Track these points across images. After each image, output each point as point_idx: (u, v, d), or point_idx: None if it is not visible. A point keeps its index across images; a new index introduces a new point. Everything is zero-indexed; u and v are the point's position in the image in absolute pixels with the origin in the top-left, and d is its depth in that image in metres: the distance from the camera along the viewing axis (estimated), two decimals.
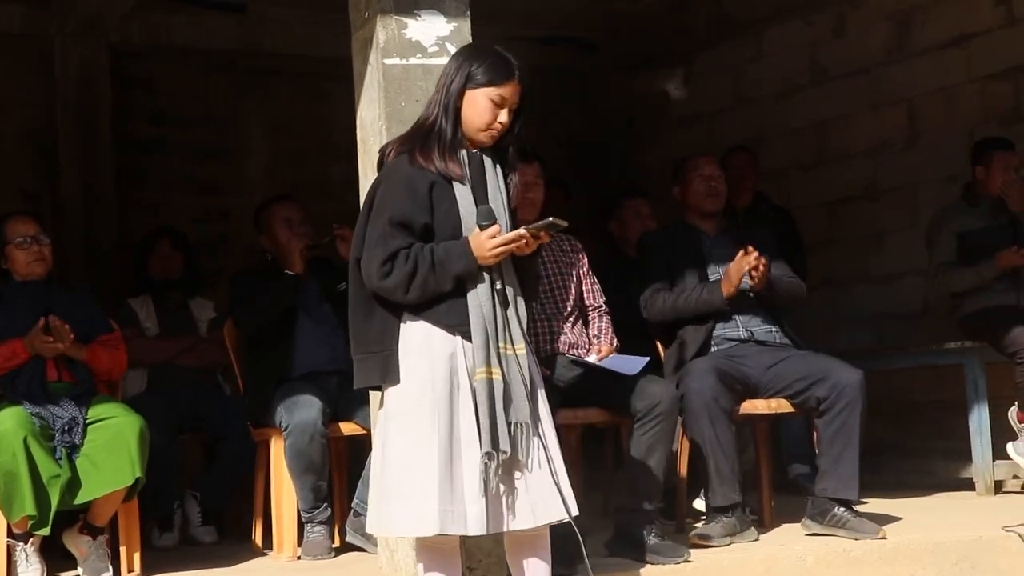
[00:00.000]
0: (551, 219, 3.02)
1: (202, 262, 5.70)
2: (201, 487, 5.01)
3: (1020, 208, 5.30)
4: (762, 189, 6.16)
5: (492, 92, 3.07)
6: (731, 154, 5.96)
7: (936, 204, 5.77)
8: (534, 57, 7.60)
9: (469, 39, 3.58)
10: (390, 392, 3.02)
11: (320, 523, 4.33)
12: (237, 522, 4.94)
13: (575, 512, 3.01)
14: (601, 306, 4.40)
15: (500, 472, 2.93)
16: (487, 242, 2.98)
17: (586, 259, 4.43)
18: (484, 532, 2.94)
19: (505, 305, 3.02)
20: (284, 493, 4.34)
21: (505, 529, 2.99)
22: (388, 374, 3.00)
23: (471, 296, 3.00)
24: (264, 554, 4.47)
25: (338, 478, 4.66)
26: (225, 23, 6.99)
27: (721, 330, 4.43)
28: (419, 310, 3.00)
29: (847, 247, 6.62)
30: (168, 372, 5.12)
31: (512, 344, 3.01)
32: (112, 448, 3.89)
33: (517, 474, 2.97)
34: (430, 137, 3.08)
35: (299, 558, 4.29)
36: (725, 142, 6.33)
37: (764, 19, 7.02)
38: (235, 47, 7.03)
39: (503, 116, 3.08)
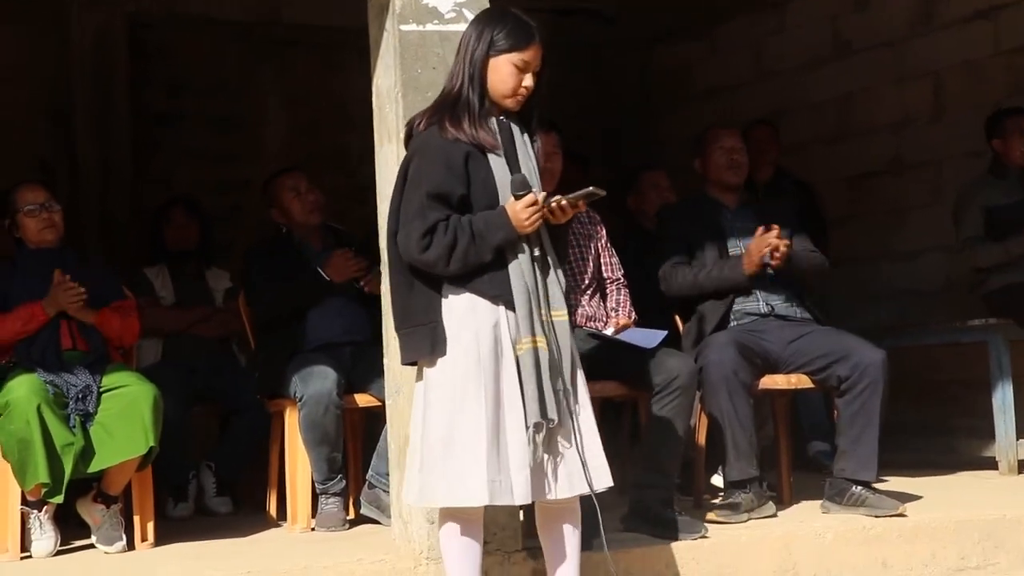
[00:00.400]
0: (591, 188, 3.01)
1: (217, 232, 5.68)
2: (216, 458, 4.99)
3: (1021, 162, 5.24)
4: (783, 163, 6.09)
5: (515, 58, 3.05)
6: (752, 128, 5.88)
7: (960, 180, 5.69)
8: (551, 29, 7.48)
9: (487, 4, 3.51)
10: (433, 363, 3.00)
11: (334, 495, 4.29)
12: (252, 493, 4.91)
13: (604, 485, 3.00)
14: (619, 279, 4.35)
15: (549, 440, 2.93)
16: (523, 211, 2.97)
17: (604, 231, 4.39)
18: (528, 501, 2.93)
19: (545, 272, 3.01)
20: (298, 464, 4.31)
21: (547, 498, 2.97)
22: (436, 345, 2.98)
23: (513, 265, 2.98)
24: (278, 525, 4.44)
25: (353, 450, 4.64)
26: None
27: (741, 304, 4.38)
28: (461, 281, 2.99)
29: (869, 223, 6.54)
30: (183, 342, 5.10)
31: (555, 311, 3.00)
32: (126, 417, 3.86)
33: (557, 443, 2.96)
34: (458, 107, 3.06)
35: (313, 530, 4.27)
36: (746, 116, 6.25)
37: None
38: (252, 17, 6.97)
39: (527, 80, 3.06)
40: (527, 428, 2.91)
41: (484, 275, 2.98)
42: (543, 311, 2.97)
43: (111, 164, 6.43)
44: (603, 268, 4.33)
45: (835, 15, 6.73)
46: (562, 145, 4.22)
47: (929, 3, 6.27)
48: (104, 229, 6.30)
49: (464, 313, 2.98)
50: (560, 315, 3.00)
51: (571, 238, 4.19)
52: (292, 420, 4.32)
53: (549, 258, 3.04)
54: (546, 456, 2.94)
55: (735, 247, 4.43)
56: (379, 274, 3.75)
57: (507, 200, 3.01)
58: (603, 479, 3.00)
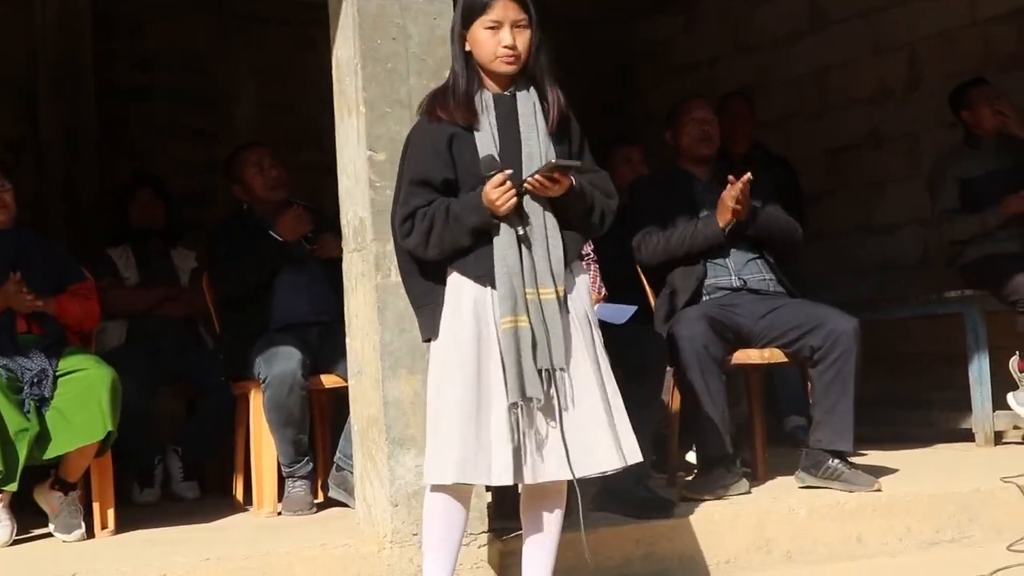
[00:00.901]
0: (551, 161, 2.92)
1: (188, 212, 5.58)
2: (183, 442, 4.90)
3: (994, 130, 5.22)
4: (760, 137, 6.02)
5: (484, 20, 2.98)
6: (727, 100, 5.82)
7: (937, 151, 5.63)
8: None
9: None
10: (432, 345, 3.00)
11: (301, 478, 4.22)
12: (221, 478, 4.84)
13: (630, 460, 2.95)
14: (588, 254, 4.28)
15: (534, 421, 2.87)
16: (492, 191, 2.90)
17: None
18: (510, 482, 2.87)
19: (531, 250, 2.93)
20: (264, 447, 4.24)
21: (528, 481, 2.90)
22: (434, 327, 2.98)
23: (495, 244, 2.94)
24: (245, 510, 4.37)
25: (321, 432, 4.57)
26: None
27: (713, 278, 4.31)
28: (450, 262, 2.98)
29: (848, 196, 6.49)
30: (148, 324, 5.00)
31: (542, 289, 2.92)
32: (82, 401, 3.77)
33: (552, 423, 2.89)
34: (447, 89, 3.03)
35: (280, 514, 4.19)
36: (725, 90, 6.17)
37: None
38: None
39: (505, 38, 2.97)
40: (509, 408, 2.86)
41: (470, 255, 2.96)
42: (527, 289, 2.90)
43: (77, 142, 6.31)
44: None
45: None
46: None
47: None
48: (70, 209, 6.20)
49: (452, 294, 2.98)
50: (547, 293, 2.92)
51: None
52: (257, 402, 4.24)
53: (536, 235, 2.93)
54: (538, 436, 2.88)
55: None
56: (332, 239, 3.68)
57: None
58: (603, 461, 2.92)
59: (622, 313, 3.94)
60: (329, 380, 4.28)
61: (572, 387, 2.92)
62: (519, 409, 2.85)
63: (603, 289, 4.24)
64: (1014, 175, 5.19)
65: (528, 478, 2.88)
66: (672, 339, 4.05)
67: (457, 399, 2.88)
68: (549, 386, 2.88)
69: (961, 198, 5.24)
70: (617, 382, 3.85)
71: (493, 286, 2.93)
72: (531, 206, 2.95)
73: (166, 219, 5.28)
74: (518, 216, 2.94)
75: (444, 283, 2.99)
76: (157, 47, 6.72)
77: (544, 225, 2.96)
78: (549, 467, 2.89)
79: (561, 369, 2.89)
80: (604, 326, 3.84)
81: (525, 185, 2.92)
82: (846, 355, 4.02)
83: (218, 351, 4.70)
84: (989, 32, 5.84)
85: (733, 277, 4.30)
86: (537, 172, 2.91)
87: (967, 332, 5.25)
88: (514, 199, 2.91)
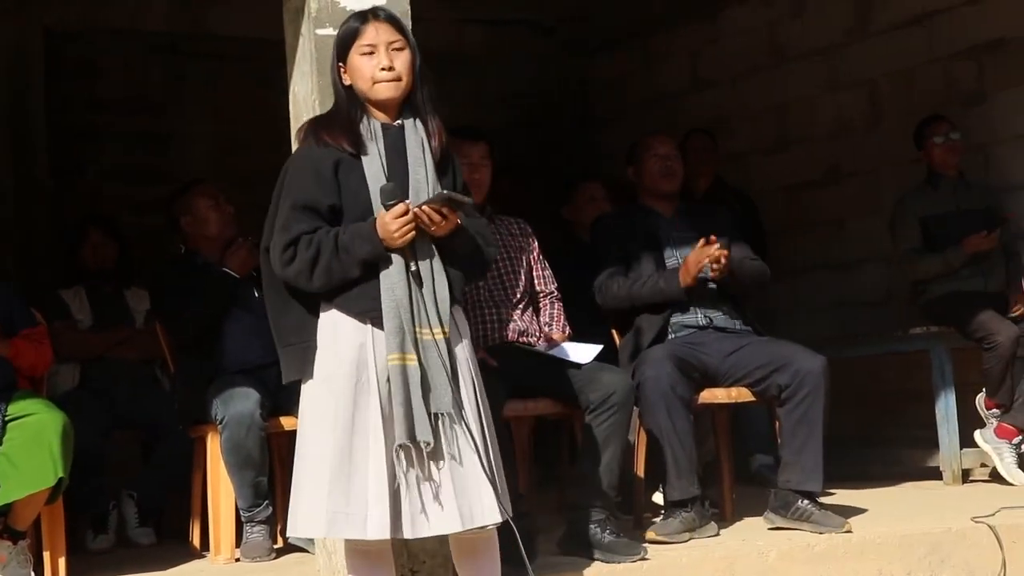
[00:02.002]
0: (445, 192, 2.82)
1: (142, 252, 5.47)
2: (138, 486, 4.78)
3: (947, 168, 5.25)
4: (722, 174, 6.01)
5: (359, 46, 2.92)
6: (689, 137, 5.82)
7: (898, 188, 5.64)
8: (489, 39, 7.44)
9: (407, 8, 3.37)
10: (303, 387, 2.87)
11: (260, 523, 4.12)
12: (177, 523, 4.71)
13: (504, 516, 2.79)
14: (553, 292, 4.22)
15: (419, 468, 2.74)
16: (392, 222, 2.79)
17: (537, 243, 4.25)
18: (386, 536, 2.74)
19: (421, 287, 2.82)
20: (222, 491, 4.13)
21: (426, 534, 2.79)
22: (306, 367, 2.85)
23: (383, 278, 2.82)
24: (202, 556, 4.26)
25: (281, 475, 4.46)
26: (167, 4, 6.75)
27: (679, 317, 4.26)
28: (330, 297, 2.85)
29: (808, 232, 6.48)
30: (103, 367, 4.90)
31: (430, 329, 2.80)
32: (32, 447, 3.63)
33: (440, 472, 2.77)
34: (332, 117, 2.97)
35: (238, 560, 4.09)
36: (685, 126, 6.17)
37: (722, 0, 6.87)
38: (177, 29, 6.79)
39: (382, 61, 2.90)
40: (396, 450, 2.73)
41: (353, 290, 2.84)
42: (416, 328, 2.78)
43: (29, 183, 6.21)
44: (536, 281, 4.20)
45: (770, 23, 6.68)
46: (494, 158, 4.08)
47: (864, 10, 6.23)
48: (23, 251, 6.08)
49: (329, 332, 2.84)
50: (430, 335, 2.80)
51: (501, 250, 4.04)
52: (214, 445, 4.13)
53: (425, 273, 2.83)
54: (423, 486, 2.75)
55: (671, 256, 4.32)
56: None
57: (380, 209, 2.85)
58: (493, 512, 2.78)
59: (587, 352, 3.88)
60: (289, 422, 4.16)
61: (460, 435, 2.78)
62: (408, 452, 2.72)
63: (567, 328, 4.18)
64: (974, 214, 5.21)
65: (407, 532, 2.75)
66: (638, 379, 3.99)
67: (330, 447, 2.75)
68: (444, 430, 2.76)
69: (923, 236, 5.24)
70: (581, 422, 3.81)
71: (376, 324, 2.81)
72: (421, 243, 2.84)
73: (118, 260, 5.18)
74: (411, 251, 2.83)
75: (315, 320, 2.86)
76: (110, 87, 6.63)
77: (431, 264, 2.86)
78: (431, 519, 2.76)
79: (450, 415, 2.77)
80: (569, 365, 3.83)
81: (413, 212, 2.81)
82: (814, 394, 3.97)
83: (174, 394, 4.59)
84: (949, 68, 5.86)
85: (699, 316, 4.25)
86: (427, 202, 2.81)
87: (933, 369, 5.23)
88: (412, 232, 2.81)
